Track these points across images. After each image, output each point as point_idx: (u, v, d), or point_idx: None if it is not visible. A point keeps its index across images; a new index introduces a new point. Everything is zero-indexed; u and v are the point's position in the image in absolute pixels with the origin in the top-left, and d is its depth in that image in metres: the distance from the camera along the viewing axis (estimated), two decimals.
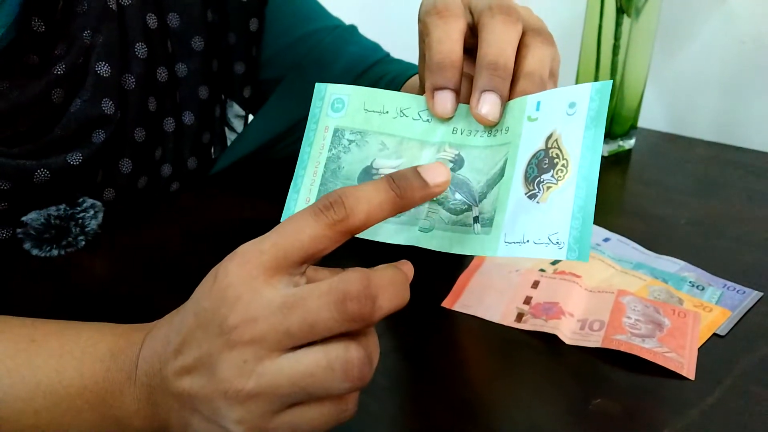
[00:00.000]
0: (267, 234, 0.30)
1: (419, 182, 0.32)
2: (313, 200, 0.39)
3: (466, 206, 0.36)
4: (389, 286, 0.29)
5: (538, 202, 0.33)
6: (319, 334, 0.28)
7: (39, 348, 0.34)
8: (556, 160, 0.33)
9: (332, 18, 0.67)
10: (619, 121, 0.73)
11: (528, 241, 0.33)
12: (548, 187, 0.33)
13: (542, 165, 0.34)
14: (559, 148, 0.34)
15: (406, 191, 0.31)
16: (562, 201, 0.32)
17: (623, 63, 0.70)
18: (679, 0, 0.83)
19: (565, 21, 0.75)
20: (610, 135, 0.73)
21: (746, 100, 0.83)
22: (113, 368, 0.33)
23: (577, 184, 0.32)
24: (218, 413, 0.29)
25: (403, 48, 0.68)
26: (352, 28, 0.67)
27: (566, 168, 0.33)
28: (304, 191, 0.39)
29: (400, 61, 0.65)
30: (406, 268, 0.32)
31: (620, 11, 0.68)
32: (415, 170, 0.32)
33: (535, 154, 0.34)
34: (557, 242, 0.32)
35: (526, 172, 0.34)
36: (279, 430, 0.29)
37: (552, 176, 0.33)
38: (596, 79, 0.71)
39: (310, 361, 0.28)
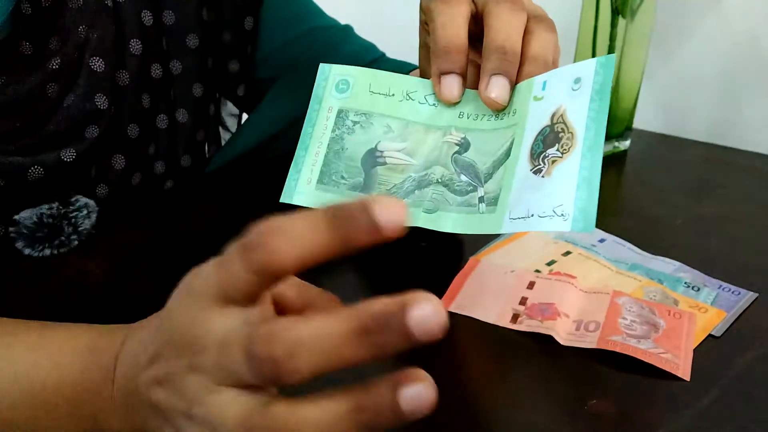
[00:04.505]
0: (213, 261, 0.27)
1: (367, 222, 0.23)
2: (314, 181, 0.38)
3: (472, 187, 0.36)
4: (309, 345, 0.23)
5: (543, 177, 0.33)
6: (245, 381, 0.26)
7: (18, 343, 0.34)
8: (561, 134, 0.33)
9: (327, 18, 0.67)
10: (614, 122, 0.73)
11: (533, 215, 0.32)
12: (553, 161, 0.33)
13: (548, 140, 0.34)
14: (564, 123, 0.33)
15: (349, 232, 0.24)
16: (567, 173, 0.32)
17: (618, 64, 0.70)
18: (675, 1, 0.83)
19: (561, 22, 0.75)
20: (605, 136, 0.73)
21: (741, 101, 0.83)
22: (91, 365, 0.33)
23: (582, 155, 0.32)
24: (182, 430, 0.28)
25: (399, 48, 0.68)
26: (348, 28, 0.67)
27: (571, 141, 0.33)
28: (305, 171, 0.38)
29: (395, 61, 0.65)
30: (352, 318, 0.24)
31: (615, 12, 0.68)
32: (364, 206, 0.23)
33: (540, 131, 0.34)
34: (562, 214, 0.31)
35: (532, 149, 0.34)
36: None
37: (557, 150, 0.33)
38: None
39: (229, 408, 0.26)
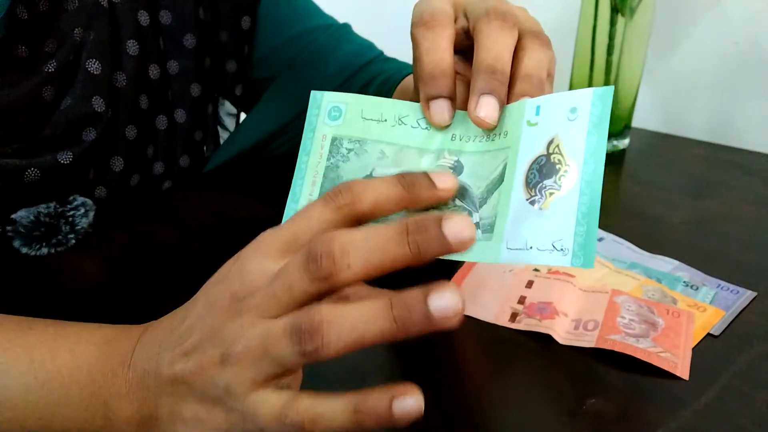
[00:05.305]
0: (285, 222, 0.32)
1: (427, 182, 0.32)
2: None
3: (467, 212, 0.36)
4: (362, 244, 0.28)
5: (540, 209, 0.33)
6: (298, 298, 0.29)
7: (36, 333, 0.35)
8: (558, 166, 0.33)
9: (326, 17, 0.67)
10: (613, 121, 0.73)
11: (531, 247, 0.32)
12: (551, 193, 0.33)
13: (544, 170, 0.34)
14: (561, 154, 0.33)
15: (414, 188, 0.31)
16: (566, 207, 0.32)
17: (617, 62, 0.70)
18: (674, 0, 0.83)
19: (560, 20, 0.75)
20: None
21: (740, 100, 0.83)
22: (108, 352, 0.34)
23: (581, 190, 0.32)
24: (211, 382, 0.30)
25: (397, 47, 0.67)
26: (346, 27, 0.67)
27: (569, 174, 0.33)
28: (303, 201, 0.39)
29: (394, 60, 0.65)
30: (397, 228, 0.29)
31: (615, 11, 0.68)
32: (424, 173, 0.32)
33: (536, 160, 0.34)
34: (561, 249, 0.32)
35: (527, 177, 0.34)
36: (259, 405, 0.29)
37: (554, 182, 0.33)
38: (590, 78, 0.71)
39: (276, 327, 0.29)
